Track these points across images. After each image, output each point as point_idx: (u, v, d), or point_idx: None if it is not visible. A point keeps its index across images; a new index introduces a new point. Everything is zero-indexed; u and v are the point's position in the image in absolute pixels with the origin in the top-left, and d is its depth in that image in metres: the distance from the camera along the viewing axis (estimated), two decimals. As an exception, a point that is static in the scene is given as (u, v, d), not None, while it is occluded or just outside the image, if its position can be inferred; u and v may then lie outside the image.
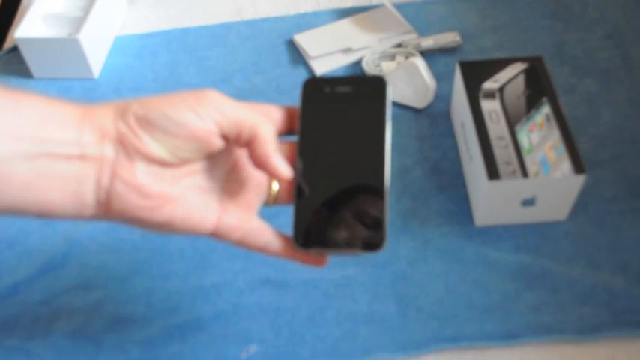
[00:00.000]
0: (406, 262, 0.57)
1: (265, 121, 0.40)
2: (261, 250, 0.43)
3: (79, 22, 0.75)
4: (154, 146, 0.38)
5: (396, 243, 0.58)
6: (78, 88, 0.75)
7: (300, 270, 0.57)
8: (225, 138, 0.40)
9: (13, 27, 0.84)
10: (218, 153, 0.42)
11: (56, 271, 0.59)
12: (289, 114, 0.44)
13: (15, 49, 0.78)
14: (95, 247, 0.60)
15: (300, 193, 0.42)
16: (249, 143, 0.40)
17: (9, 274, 0.58)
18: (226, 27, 0.81)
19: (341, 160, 0.42)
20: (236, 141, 0.40)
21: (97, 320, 0.55)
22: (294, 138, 0.44)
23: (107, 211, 0.39)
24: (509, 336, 0.52)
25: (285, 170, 0.40)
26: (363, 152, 0.42)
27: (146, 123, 0.38)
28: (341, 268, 0.57)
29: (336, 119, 0.43)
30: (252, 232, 0.42)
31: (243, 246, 0.43)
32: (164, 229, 0.40)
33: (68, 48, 0.72)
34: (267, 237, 0.43)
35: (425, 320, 0.53)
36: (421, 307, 0.54)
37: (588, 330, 0.52)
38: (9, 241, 0.61)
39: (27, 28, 0.74)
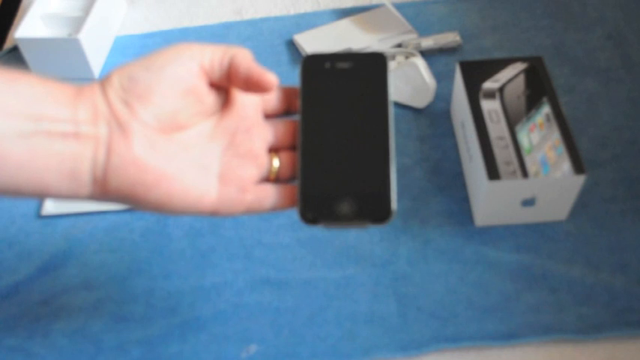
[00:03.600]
0: (406, 262, 0.57)
1: (241, 48, 0.42)
2: (273, 210, 0.43)
3: (79, 22, 0.75)
4: (141, 107, 0.38)
5: (396, 243, 0.58)
6: (78, 88, 0.75)
7: (300, 270, 0.57)
8: (209, 78, 0.41)
9: (13, 27, 0.84)
10: (214, 127, 0.42)
11: (56, 271, 0.59)
12: (286, 93, 0.44)
13: (15, 49, 0.78)
14: (95, 246, 0.60)
15: (304, 168, 0.42)
16: (230, 68, 0.41)
17: (9, 274, 0.58)
18: (226, 27, 0.81)
19: (344, 134, 0.42)
20: (220, 75, 0.41)
21: (97, 320, 0.55)
22: (294, 117, 0.44)
23: (104, 188, 0.38)
24: (509, 336, 0.52)
25: (271, 76, 0.41)
26: (367, 126, 0.42)
27: (130, 82, 0.38)
28: (341, 268, 0.57)
29: (337, 94, 0.43)
30: (256, 201, 0.42)
31: (253, 214, 0.43)
32: (163, 207, 0.39)
33: (68, 48, 0.72)
34: (273, 198, 0.42)
35: (425, 320, 0.53)
36: (421, 307, 0.54)
37: (588, 330, 0.52)
38: (9, 241, 0.61)
39: (27, 28, 0.74)
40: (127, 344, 0.54)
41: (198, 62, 0.40)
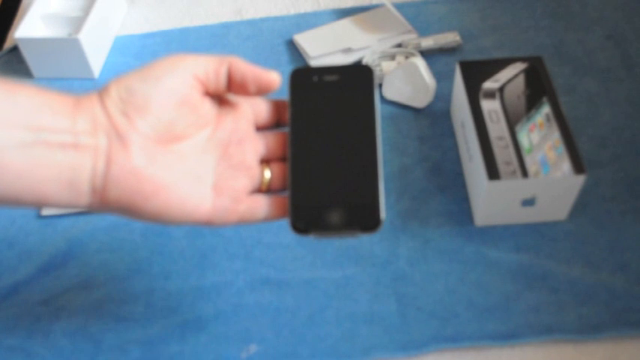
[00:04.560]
0: (406, 262, 0.57)
1: (234, 56, 0.43)
2: (265, 221, 0.43)
3: (79, 22, 0.75)
4: (139, 118, 0.39)
5: (396, 243, 0.58)
6: (78, 88, 0.75)
7: (300, 270, 0.57)
8: (204, 88, 0.41)
9: (13, 27, 0.84)
10: (208, 139, 0.43)
11: (56, 271, 0.59)
12: (276, 105, 0.45)
13: (15, 49, 0.78)
14: (95, 246, 0.60)
15: (294, 179, 0.42)
16: (228, 75, 0.42)
17: (9, 274, 0.58)
18: (226, 27, 0.81)
19: (333, 145, 0.43)
20: (216, 82, 0.42)
21: (97, 320, 0.55)
22: (284, 129, 0.45)
23: (103, 198, 0.39)
24: (509, 336, 0.52)
25: (274, 73, 0.42)
26: (355, 136, 0.43)
27: (127, 93, 0.39)
28: (341, 268, 0.57)
29: (325, 107, 0.44)
30: (249, 211, 0.43)
31: (246, 224, 0.43)
32: (160, 217, 0.40)
33: (68, 48, 0.72)
34: (265, 208, 0.43)
35: (425, 320, 0.53)
36: (421, 307, 0.54)
37: (588, 330, 0.52)
38: (9, 241, 0.61)
39: (27, 28, 0.74)
40: (127, 344, 0.54)
41: (192, 73, 0.41)
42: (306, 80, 0.45)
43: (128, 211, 0.40)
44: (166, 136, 0.40)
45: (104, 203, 0.39)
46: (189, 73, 0.41)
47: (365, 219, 0.41)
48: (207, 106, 0.43)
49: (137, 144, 0.39)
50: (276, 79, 0.43)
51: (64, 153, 0.37)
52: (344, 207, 0.41)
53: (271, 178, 0.44)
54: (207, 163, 0.43)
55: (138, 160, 0.39)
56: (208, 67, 0.41)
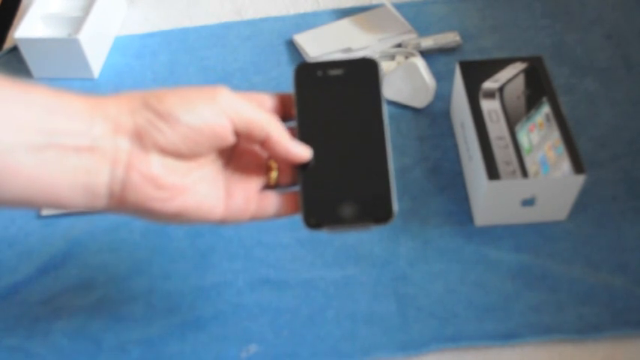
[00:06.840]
0: (406, 262, 0.57)
1: (272, 118, 0.42)
2: (276, 217, 0.44)
3: (79, 22, 0.75)
4: (173, 139, 0.38)
5: (396, 243, 0.58)
6: (78, 88, 0.75)
7: (300, 270, 0.57)
8: (237, 134, 0.41)
9: (13, 27, 0.84)
10: None
11: (56, 271, 0.59)
12: (282, 100, 0.45)
13: (15, 49, 0.78)
14: (95, 246, 0.60)
15: (305, 174, 0.42)
16: (263, 142, 0.41)
17: (9, 274, 0.58)
18: (226, 27, 0.81)
19: (341, 139, 0.43)
20: (247, 138, 0.41)
21: (97, 320, 0.55)
22: (290, 124, 0.45)
23: (120, 202, 0.39)
24: (509, 336, 0.52)
25: (305, 151, 0.42)
26: (363, 129, 0.43)
27: (169, 116, 0.38)
28: (341, 268, 0.57)
29: (331, 100, 0.44)
30: (261, 208, 0.43)
31: (258, 220, 0.44)
32: (176, 219, 0.40)
33: (68, 48, 0.72)
34: (275, 205, 0.43)
35: (425, 320, 0.53)
36: (421, 307, 0.54)
37: (588, 330, 0.52)
38: (9, 241, 0.61)
39: (27, 28, 0.74)
40: (127, 344, 0.54)
41: (233, 124, 0.40)
42: (311, 75, 0.45)
43: (144, 213, 0.40)
44: (190, 154, 0.40)
45: (122, 206, 0.39)
46: (230, 123, 0.40)
47: (378, 210, 0.41)
48: (233, 138, 0.42)
49: (159, 155, 0.38)
50: (305, 156, 0.42)
51: (79, 156, 0.37)
52: (356, 200, 0.41)
53: (279, 173, 0.45)
54: (219, 166, 0.43)
55: (157, 169, 0.38)
56: (247, 127, 0.40)
